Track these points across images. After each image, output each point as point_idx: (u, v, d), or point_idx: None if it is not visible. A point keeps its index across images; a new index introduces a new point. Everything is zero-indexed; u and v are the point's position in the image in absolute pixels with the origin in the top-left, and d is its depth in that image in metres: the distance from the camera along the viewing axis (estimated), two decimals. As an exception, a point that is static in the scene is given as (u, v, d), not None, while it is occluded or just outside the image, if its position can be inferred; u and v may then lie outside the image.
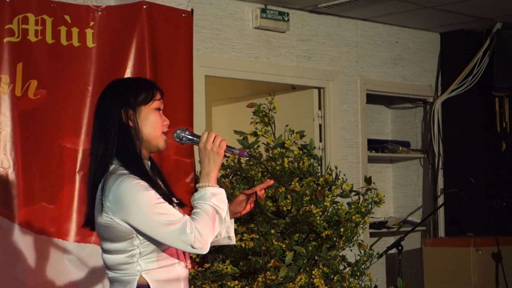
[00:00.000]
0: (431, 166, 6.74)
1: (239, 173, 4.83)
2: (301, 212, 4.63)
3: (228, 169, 4.84)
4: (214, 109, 6.78)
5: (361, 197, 4.83)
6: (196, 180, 5.17)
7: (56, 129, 4.68)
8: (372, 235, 6.48)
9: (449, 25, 6.55)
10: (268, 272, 4.49)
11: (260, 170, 4.75)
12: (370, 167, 6.46)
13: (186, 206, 3.03)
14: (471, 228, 6.33)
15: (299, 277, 4.50)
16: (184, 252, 2.93)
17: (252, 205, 3.15)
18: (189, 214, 2.84)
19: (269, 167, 4.75)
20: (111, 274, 2.90)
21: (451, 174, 6.61)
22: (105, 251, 2.89)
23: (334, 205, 4.79)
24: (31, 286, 4.52)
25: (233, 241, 3.17)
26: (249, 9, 5.69)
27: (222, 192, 2.88)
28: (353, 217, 4.70)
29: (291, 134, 4.92)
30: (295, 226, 4.67)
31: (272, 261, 4.52)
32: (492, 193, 6.44)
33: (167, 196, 2.86)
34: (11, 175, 4.52)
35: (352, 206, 4.76)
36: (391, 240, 6.46)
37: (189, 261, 2.99)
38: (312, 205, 4.64)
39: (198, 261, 4.81)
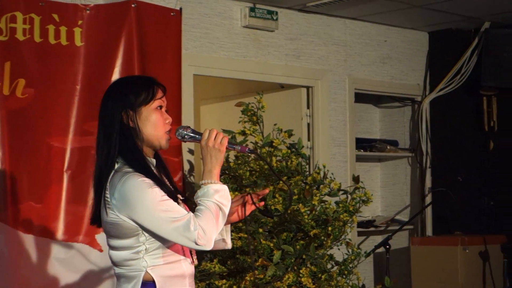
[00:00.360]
0: (419, 165, 6.76)
1: (227, 172, 4.84)
2: (289, 211, 4.64)
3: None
4: (203, 108, 6.78)
5: (349, 196, 4.84)
6: (185, 178, 5.18)
7: (44, 128, 4.67)
8: (360, 234, 6.48)
9: (437, 24, 6.56)
10: (256, 271, 4.49)
11: (248, 169, 4.75)
12: (358, 166, 6.46)
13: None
14: (459, 227, 6.34)
15: (286, 276, 4.50)
16: (190, 249, 2.95)
17: (243, 211, 3.15)
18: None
19: (259, 166, 4.76)
20: (117, 270, 2.94)
21: (439, 173, 6.62)
22: (111, 247, 2.93)
23: (322, 204, 4.80)
24: (17, 284, 4.51)
25: (228, 246, 3.18)
26: (238, 8, 5.68)
27: (225, 189, 2.91)
28: (341, 216, 4.72)
29: (280, 133, 4.93)
30: (283, 225, 4.68)
31: (260, 260, 4.52)
32: (480, 192, 6.46)
33: (172, 193, 2.89)
34: (-1, 174, 4.51)
35: (340, 205, 4.78)
36: (379, 239, 6.47)
37: (195, 258, 3.01)
38: (300, 204, 4.65)
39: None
